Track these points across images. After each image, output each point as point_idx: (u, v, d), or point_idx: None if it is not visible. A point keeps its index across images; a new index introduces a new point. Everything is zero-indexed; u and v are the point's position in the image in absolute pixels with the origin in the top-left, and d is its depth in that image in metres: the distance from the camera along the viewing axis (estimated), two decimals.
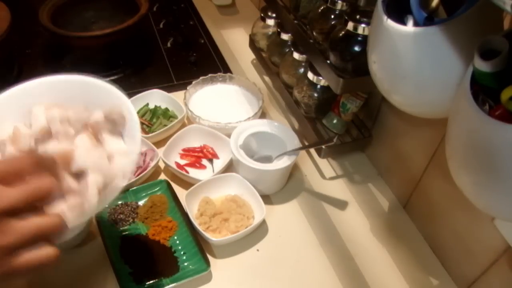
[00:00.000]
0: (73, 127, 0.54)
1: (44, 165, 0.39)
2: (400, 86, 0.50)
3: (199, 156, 0.84)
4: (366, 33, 0.65)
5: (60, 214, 0.39)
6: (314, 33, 0.76)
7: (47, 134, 0.53)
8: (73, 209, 0.47)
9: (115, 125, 0.55)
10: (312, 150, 0.89)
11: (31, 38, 1.12)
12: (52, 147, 0.51)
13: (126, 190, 0.76)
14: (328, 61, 0.71)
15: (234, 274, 0.69)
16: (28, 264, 0.36)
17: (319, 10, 0.75)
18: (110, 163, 0.52)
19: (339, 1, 0.71)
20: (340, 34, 0.68)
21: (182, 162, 0.83)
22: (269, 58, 1.01)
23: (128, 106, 0.56)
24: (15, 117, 0.54)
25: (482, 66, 0.37)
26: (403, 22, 0.48)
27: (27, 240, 0.36)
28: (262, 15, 1.01)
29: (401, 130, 0.76)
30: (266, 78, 1.06)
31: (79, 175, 0.49)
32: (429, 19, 0.46)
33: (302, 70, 0.89)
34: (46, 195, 0.38)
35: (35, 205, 0.38)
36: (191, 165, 0.83)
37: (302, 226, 0.76)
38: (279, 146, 0.80)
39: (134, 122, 0.56)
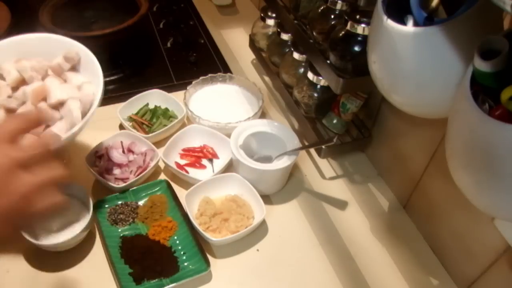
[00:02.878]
0: (39, 73, 0.68)
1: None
2: (400, 86, 0.50)
3: (199, 156, 0.84)
4: (366, 33, 0.65)
5: (61, 166, 0.45)
6: (314, 33, 0.76)
7: (21, 83, 0.68)
8: (62, 130, 0.63)
9: (73, 62, 0.71)
10: (312, 150, 0.89)
11: None
12: (28, 88, 0.66)
13: (126, 190, 0.76)
14: (328, 61, 0.71)
15: (234, 274, 0.69)
16: (41, 209, 0.44)
17: (319, 10, 0.75)
18: (80, 91, 0.67)
19: (339, 1, 0.71)
20: (340, 34, 0.68)
21: (182, 162, 0.83)
22: (269, 58, 1.01)
23: (80, 46, 0.71)
24: None
25: (482, 66, 0.37)
26: (403, 22, 0.48)
27: (37, 189, 0.43)
28: (262, 15, 1.01)
29: (401, 130, 0.76)
30: (266, 78, 1.06)
31: (58, 107, 0.66)
32: (429, 19, 0.46)
33: (302, 70, 0.88)
34: (37, 120, 0.46)
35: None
36: (191, 165, 0.83)
37: (302, 226, 0.76)
38: (279, 146, 0.80)
39: (88, 57, 0.70)
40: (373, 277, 0.70)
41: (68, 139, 0.61)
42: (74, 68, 0.72)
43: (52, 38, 0.72)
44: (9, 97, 0.68)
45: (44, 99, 0.68)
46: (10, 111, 0.67)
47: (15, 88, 0.68)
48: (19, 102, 0.68)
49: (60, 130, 0.63)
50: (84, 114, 0.65)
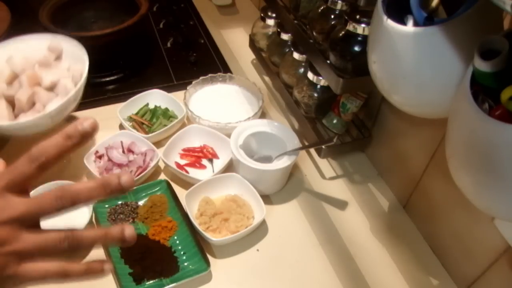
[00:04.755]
0: (29, 67, 0.76)
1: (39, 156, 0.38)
2: (400, 86, 0.50)
3: (199, 156, 0.84)
4: (366, 33, 0.65)
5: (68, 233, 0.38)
6: (314, 33, 0.76)
7: (14, 78, 0.76)
8: (59, 104, 0.67)
9: (58, 51, 0.79)
10: (312, 150, 0.89)
11: None
12: (23, 76, 0.74)
13: None
14: (328, 61, 0.71)
15: (234, 274, 0.69)
16: (31, 274, 0.37)
17: (319, 10, 0.75)
18: (69, 71, 0.77)
19: (339, 1, 0.71)
20: (340, 34, 0.68)
21: (182, 162, 0.83)
22: (269, 58, 1.01)
23: (61, 37, 0.80)
24: None
25: (482, 66, 0.37)
26: (403, 22, 0.48)
27: (34, 251, 0.37)
28: (262, 15, 1.01)
29: (401, 130, 0.76)
30: (266, 78, 1.06)
31: (53, 89, 0.75)
32: (429, 19, 0.46)
33: (302, 70, 0.88)
34: (48, 210, 0.37)
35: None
36: (191, 165, 0.83)
37: (302, 226, 0.76)
38: (279, 146, 0.80)
39: (70, 42, 0.79)
40: (373, 277, 0.70)
41: (64, 106, 0.68)
42: (59, 58, 0.80)
43: (33, 37, 0.79)
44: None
45: (39, 84, 0.74)
46: (9, 98, 0.73)
47: (9, 82, 0.75)
48: (17, 90, 0.73)
49: (57, 104, 0.68)
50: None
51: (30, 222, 0.37)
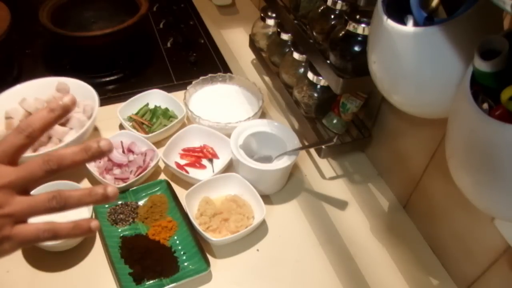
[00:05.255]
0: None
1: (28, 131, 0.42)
2: (400, 86, 0.50)
3: (199, 156, 0.84)
4: (366, 33, 0.65)
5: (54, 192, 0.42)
6: (314, 33, 0.76)
7: (28, 115, 0.81)
8: (73, 137, 0.76)
9: (65, 91, 0.86)
10: (312, 150, 0.89)
11: (31, 38, 1.12)
12: None
13: (126, 190, 0.76)
14: (328, 61, 0.71)
15: (234, 274, 0.69)
16: (24, 234, 0.41)
17: (319, 10, 0.75)
18: (80, 107, 0.83)
19: (339, 1, 0.71)
20: (340, 34, 0.68)
21: (182, 162, 0.83)
22: (269, 58, 1.01)
23: (67, 79, 0.86)
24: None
25: (482, 66, 0.37)
26: (403, 22, 0.48)
27: (26, 212, 0.40)
28: (262, 15, 1.01)
29: (401, 130, 0.76)
30: (266, 78, 1.06)
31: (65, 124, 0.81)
32: (429, 19, 0.46)
33: (302, 70, 0.88)
34: (37, 174, 0.41)
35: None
36: (191, 165, 0.83)
37: (302, 226, 0.76)
38: (279, 146, 0.80)
39: (77, 83, 0.86)
40: (373, 277, 0.70)
41: (80, 136, 0.77)
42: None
43: (40, 81, 0.86)
44: None
45: None
46: None
47: None
48: None
49: (74, 136, 0.76)
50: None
51: (21, 188, 0.41)
